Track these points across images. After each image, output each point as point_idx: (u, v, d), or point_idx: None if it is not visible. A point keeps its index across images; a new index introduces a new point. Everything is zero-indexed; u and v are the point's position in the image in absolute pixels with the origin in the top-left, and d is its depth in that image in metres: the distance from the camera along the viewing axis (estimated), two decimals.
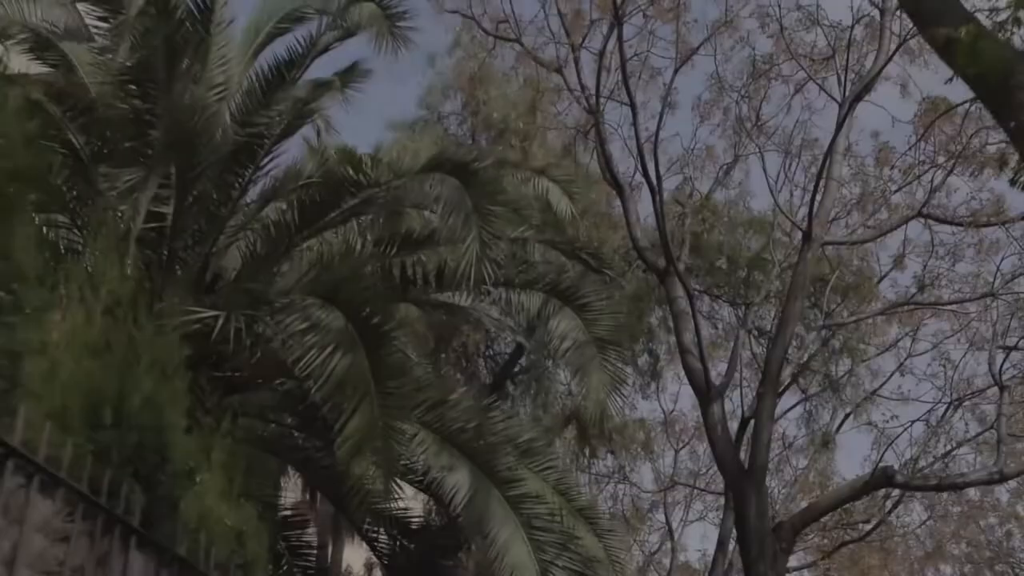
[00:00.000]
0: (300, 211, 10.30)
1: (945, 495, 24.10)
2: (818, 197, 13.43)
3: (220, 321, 8.15)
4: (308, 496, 16.12)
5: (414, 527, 11.95)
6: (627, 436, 24.00)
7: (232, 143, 9.71)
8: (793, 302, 12.93)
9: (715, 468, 28.94)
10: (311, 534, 13.24)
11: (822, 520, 17.35)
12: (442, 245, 10.70)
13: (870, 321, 17.75)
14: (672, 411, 26.84)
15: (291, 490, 15.67)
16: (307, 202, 10.25)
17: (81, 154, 9.28)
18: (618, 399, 9.85)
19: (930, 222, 16.23)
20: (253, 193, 10.48)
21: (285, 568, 11.58)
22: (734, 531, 22.98)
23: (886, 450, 14.52)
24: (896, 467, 13.07)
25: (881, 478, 12.61)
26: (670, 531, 27.82)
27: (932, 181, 14.84)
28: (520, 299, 10.09)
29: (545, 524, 8.73)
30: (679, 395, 38.69)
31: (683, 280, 13.22)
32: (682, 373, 27.82)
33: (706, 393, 13.04)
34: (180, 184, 9.09)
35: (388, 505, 12.34)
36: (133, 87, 9.40)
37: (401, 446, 7.42)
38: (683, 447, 27.90)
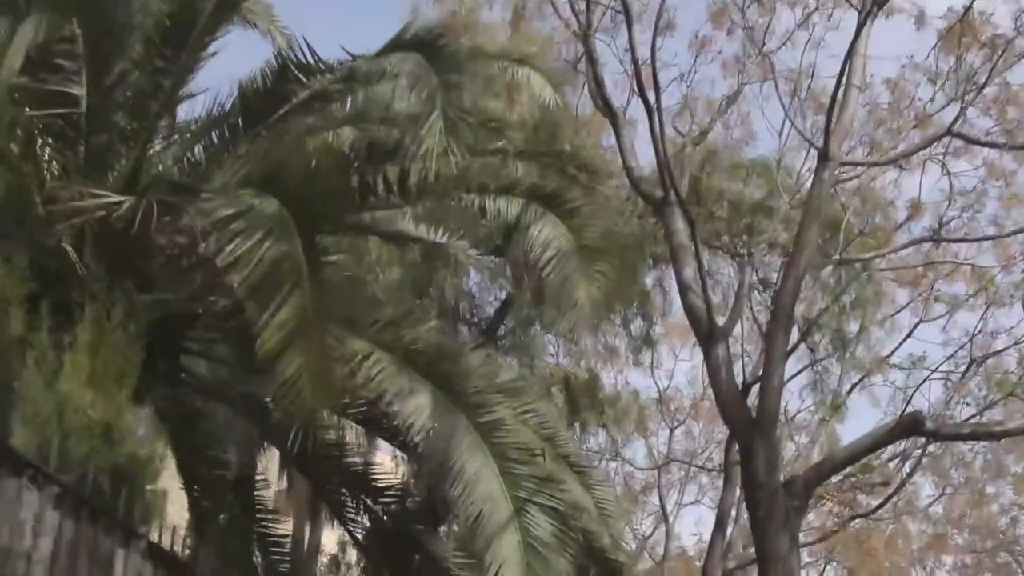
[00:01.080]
0: (244, 107, 9.01)
1: (957, 476, 23.06)
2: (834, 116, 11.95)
3: (125, 205, 6.77)
4: (287, 478, 15.03)
5: (384, 491, 10.70)
6: (619, 410, 22.71)
7: (158, 19, 8.34)
8: (807, 231, 11.47)
9: (712, 448, 27.87)
10: (269, 498, 12.14)
11: (834, 481, 15.96)
12: (410, 160, 9.40)
13: (887, 260, 16.41)
14: (667, 388, 25.74)
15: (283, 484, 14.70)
16: (251, 95, 8.95)
17: None
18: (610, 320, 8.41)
19: (954, 158, 14.92)
20: (192, 86, 9.17)
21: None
22: (733, 511, 21.78)
23: (906, 406, 13.16)
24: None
25: (909, 424, 11.20)
26: (664, 514, 26.61)
27: (963, 99, 13.48)
28: (497, 206, 8.70)
29: (521, 457, 7.32)
30: (674, 372, 37.75)
31: (683, 206, 11.82)
32: (677, 347, 26.98)
33: (709, 333, 11.64)
34: (91, 56, 7.69)
35: (355, 461, 11.19)
36: None
37: (340, 343, 6.00)
38: (678, 426, 26.83)
